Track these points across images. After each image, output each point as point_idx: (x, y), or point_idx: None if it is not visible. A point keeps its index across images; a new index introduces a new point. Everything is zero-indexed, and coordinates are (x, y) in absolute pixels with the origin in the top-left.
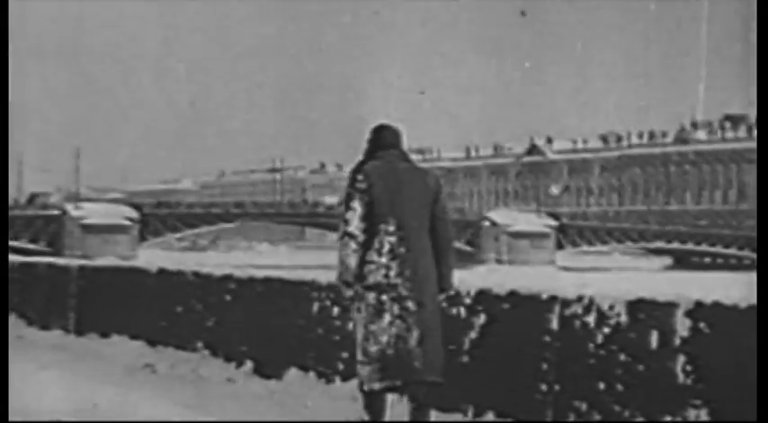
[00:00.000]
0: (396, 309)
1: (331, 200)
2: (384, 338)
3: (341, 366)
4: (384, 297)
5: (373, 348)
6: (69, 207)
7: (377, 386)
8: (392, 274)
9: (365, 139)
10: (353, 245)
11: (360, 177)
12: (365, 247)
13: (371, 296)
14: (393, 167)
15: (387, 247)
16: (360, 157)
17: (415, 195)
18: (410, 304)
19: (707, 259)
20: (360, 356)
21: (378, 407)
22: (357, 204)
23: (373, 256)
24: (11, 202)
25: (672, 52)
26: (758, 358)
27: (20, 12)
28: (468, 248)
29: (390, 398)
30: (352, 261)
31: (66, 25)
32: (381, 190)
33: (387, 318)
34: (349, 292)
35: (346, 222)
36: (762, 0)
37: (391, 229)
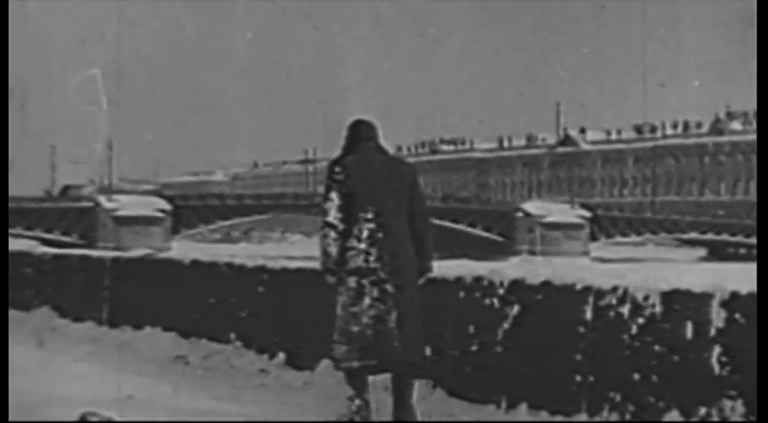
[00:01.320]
0: (375, 292)
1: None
2: (364, 320)
3: None
4: (364, 281)
5: (354, 329)
6: (102, 199)
7: (355, 364)
8: (372, 258)
9: (343, 135)
10: (333, 234)
11: (337, 169)
12: (345, 234)
13: (352, 280)
14: (370, 159)
15: (366, 234)
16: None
17: (391, 184)
18: (389, 287)
19: (742, 250)
20: (337, 337)
21: (361, 383)
22: (335, 195)
23: (353, 243)
24: (43, 194)
25: (707, 40)
26: (758, 358)
27: (50, 4)
28: (501, 239)
29: (372, 379)
30: (333, 249)
31: (97, 17)
32: (359, 180)
33: (367, 300)
34: (332, 279)
35: (325, 213)
36: (762, 0)
37: (370, 216)
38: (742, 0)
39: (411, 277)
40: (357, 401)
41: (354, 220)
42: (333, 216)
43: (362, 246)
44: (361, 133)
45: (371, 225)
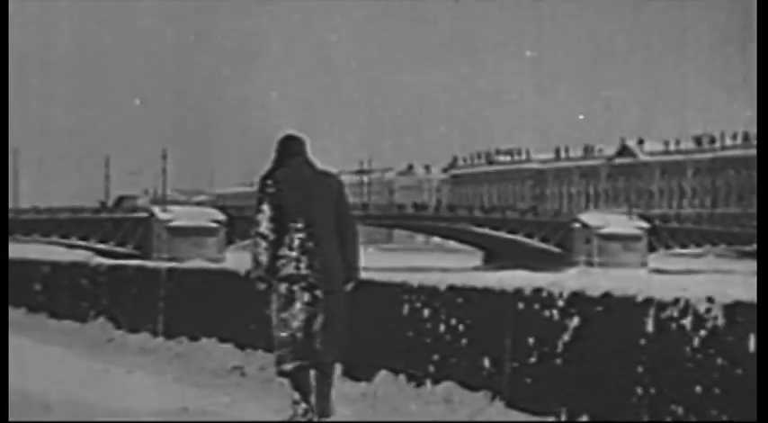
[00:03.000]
0: (306, 297)
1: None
2: (295, 324)
3: (432, 369)
4: (295, 287)
5: (284, 333)
6: (157, 210)
7: (289, 367)
8: (302, 266)
9: (274, 149)
10: (264, 244)
11: (269, 182)
12: (277, 244)
13: (283, 287)
14: (299, 172)
15: (297, 243)
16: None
17: (320, 196)
18: (319, 293)
19: None
20: (276, 343)
21: (305, 387)
22: (266, 207)
23: (285, 252)
24: (98, 204)
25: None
26: (758, 358)
27: (115, 16)
28: (558, 250)
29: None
30: (264, 258)
31: (150, 31)
32: (289, 193)
33: (297, 305)
34: (262, 286)
35: (257, 224)
36: (762, 1)
37: (300, 226)
38: None
39: (338, 283)
40: (303, 405)
41: (285, 230)
42: (264, 227)
43: (293, 254)
44: (291, 148)
45: (302, 235)
